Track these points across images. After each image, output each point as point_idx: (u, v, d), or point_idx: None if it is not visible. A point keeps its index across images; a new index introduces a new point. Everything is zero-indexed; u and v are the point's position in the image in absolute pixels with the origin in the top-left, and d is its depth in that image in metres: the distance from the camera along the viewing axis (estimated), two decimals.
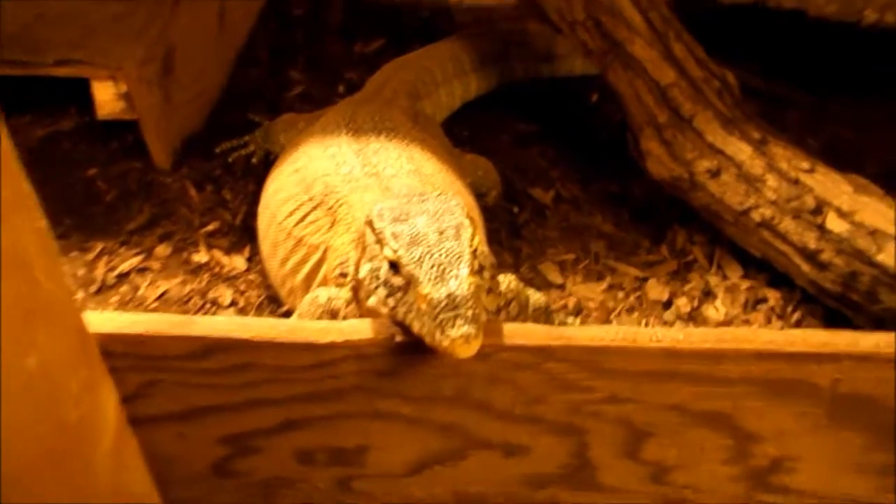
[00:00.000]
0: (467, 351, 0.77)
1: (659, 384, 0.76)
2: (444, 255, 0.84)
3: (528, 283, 1.42)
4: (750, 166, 1.39)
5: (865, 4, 2.63)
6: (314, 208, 1.33)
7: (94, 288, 1.47)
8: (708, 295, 1.46)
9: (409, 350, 0.77)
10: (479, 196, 1.61)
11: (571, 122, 2.00)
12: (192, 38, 1.81)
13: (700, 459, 0.81)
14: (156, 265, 1.53)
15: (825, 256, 1.32)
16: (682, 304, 1.45)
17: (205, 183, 1.71)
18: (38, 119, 1.87)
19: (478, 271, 0.86)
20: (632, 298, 1.49)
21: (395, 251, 0.87)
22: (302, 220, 1.34)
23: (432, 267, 0.82)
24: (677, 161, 1.46)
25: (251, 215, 1.63)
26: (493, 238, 1.62)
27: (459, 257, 0.84)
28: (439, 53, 1.95)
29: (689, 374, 0.75)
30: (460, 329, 0.77)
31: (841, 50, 2.31)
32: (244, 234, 1.60)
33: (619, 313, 1.47)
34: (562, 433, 0.81)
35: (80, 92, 1.66)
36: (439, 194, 0.97)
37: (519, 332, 0.77)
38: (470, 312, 0.78)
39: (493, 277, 0.99)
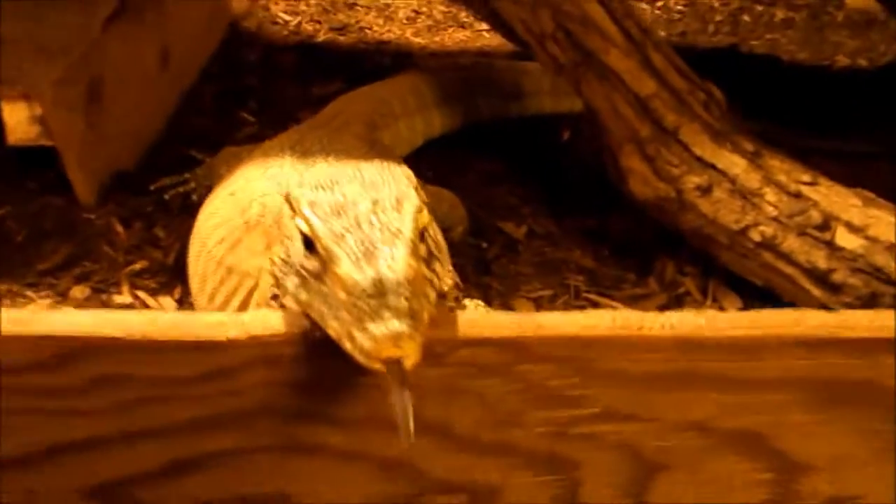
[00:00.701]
0: (398, 354, 0.57)
1: (672, 391, 0.56)
2: (376, 231, 0.64)
3: None
4: (745, 180, 1.23)
5: (836, 50, 2.57)
6: (248, 231, 1.14)
7: None
8: None
9: (335, 351, 0.57)
10: (444, 231, 1.43)
11: (542, 161, 1.86)
12: (126, 70, 1.65)
13: (728, 499, 0.60)
14: (70, 308, 1.32)
15: (838, 277, 1.15)
16: None
17: (133, 220, 1.52)
18: None
19: (424, 258, 0.67)
20: None
21: (309, 222, 0.67)
22: (234, 245, 1.15)
23: (358, 243, 0.63)
24: (663, 178, 1.30)
25: (185, 254, 1.44)
26: (459, 274, 1.43)
27: (397, 234, 0.64)
28: (399, 86, 1.82)
29: (714, 377, 0.56)
30: (388, 324, 0.57)
31: (816, 91, 2.23)
32: (176, 275, 1.40)
33: None
34: (543, 467, 0.60)
35: None
36: (381, 162, 0.78)
37: (481, 323, 0.57)
38: (404, 303, 0.59)
39: (452, 288, 0.80)
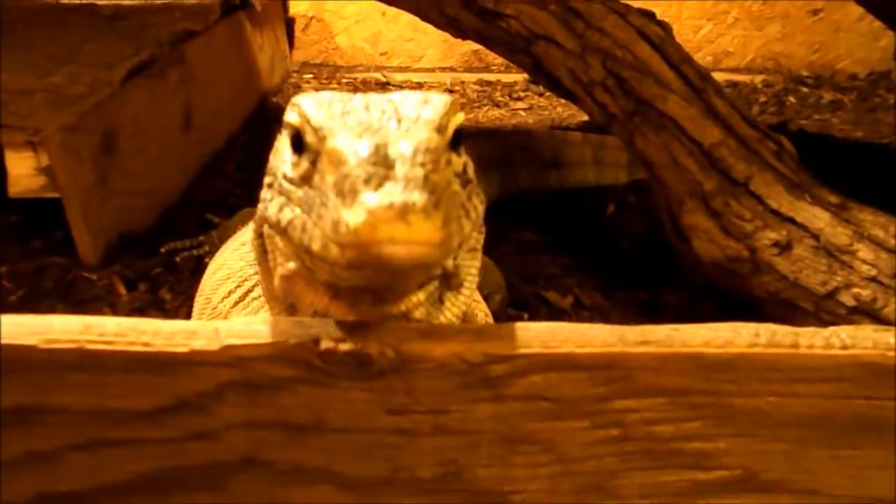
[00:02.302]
0: (403, 235, 0.40)
1: (843, 446, 0.38)
2: (389, 118, 0.47)
3: None
4: (831, 235, 1.07)
5: (894, 131, 2.45)
6: (257, 285, 0.99)
7: None
8: None
9: (349, 367, 0.40)
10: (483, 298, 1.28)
11: (585, 232, 1.71)
12: (145, 126, 1.56)
13: None
14: None
15: None
16: None
17: (138, 281, 1.38)
18: None
19: (458, 174, 0.51)
20: None
21: (301, 114, 0.51)
22: (242, 299, 1.01)
23: (361, 124, 0.46)
24: (733, 235, 1.14)
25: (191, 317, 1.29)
26: None
27: (418, 120, 0.47)
28: None
29: None
30: (391, 193, 0.41)
31: (877, 169, 2.09)
32: None
33: None
34: None
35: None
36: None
37: (560, 335, 0.40)
38: (419, 172, 0.42)
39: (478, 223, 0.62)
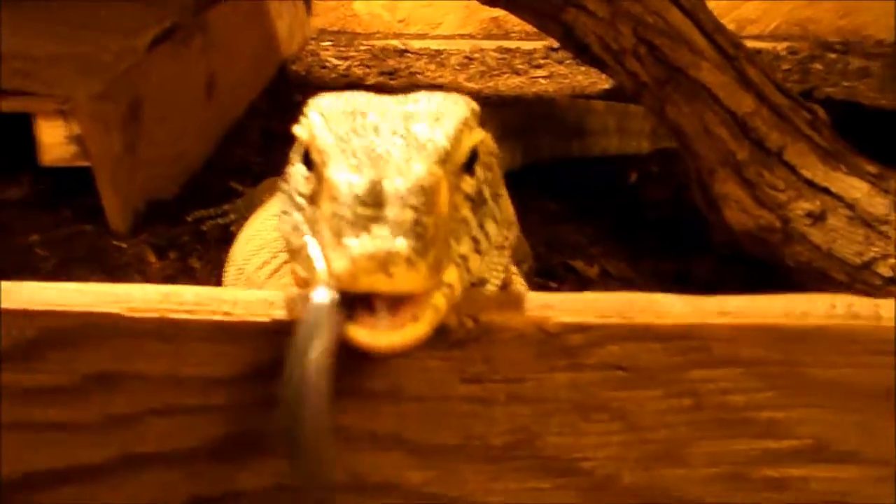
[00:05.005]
0: (384, 286, 0.40)
1: None
2: (397, 140, 0.47)
3: None
4: (868, 205, 1.06)
5: None
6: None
7: None
8: None
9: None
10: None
11: (610, 202, 1.71)
12: (170, 93, 1.56)
13: None
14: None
15: None
16: None
17: (168, 249, 1.39)
18: None
19: (469, 196, 0.49)
20: None
21: (310, 130, 0.51)
22: (278, 269, 1.01)
23: (366, 148, 0.46)
24: (765, 206, 1.14)
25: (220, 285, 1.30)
26: None
27: (423, 146, 0.47)
28: None
29: None
30: (375, 237, 0.40)
31: None
32: None
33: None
34: None
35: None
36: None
37: (638, 304, 0.40)
38: (409, 215, 0.41)
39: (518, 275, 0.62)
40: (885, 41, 2.74)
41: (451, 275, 0.44)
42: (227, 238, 1.43)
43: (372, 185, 0.43)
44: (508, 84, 2.48)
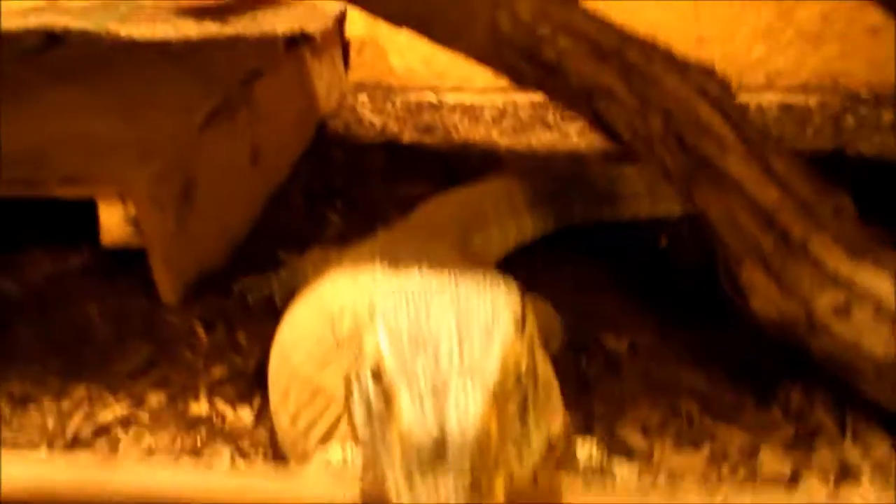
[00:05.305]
0: None
1: None
2: (454, 368, 0.56)
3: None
4: (894, 300, 1.09)
5: None
6: (339, 349, 1.05)
7: (62, 442, 1.19)
8: (847, 473, 1.11)
9: None
10: None
11: (640, 269, 1.75)
12: (219, 168, 1.65)
13: None
14: (144, 416, 1.26)
15: None
16: (814, 482, 1.10)
17: (216, 323, 1.46)
18: (48, 254, 1.70)
19: (503, 398, 0.58)
20: (741, 471, 1.15)
21: (379, 350, 0.60)
22: (323, 364, 1.07)
23: (427, 381, 0.55)
24: (790, 297, 1.17)
25: (267, 361, 1.37)
26: None
27: (475, 374, 0.56)
28: (491, 190, 1.76)
29: None
30: (440, 490, 0.50)
31: None
32: (256, 384, 1.33)
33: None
34: None
35: (93, 225, 1.48)
36: (483, 275, 0.69)
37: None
38: (466, 466, 0.51)
39: (562, 432, 0.69)
40: None
41: (499, 492, 0.52)
42: (271, 311, 1.51)
43: (434, 440, 0.52)
44: (541, 140, 2.54)
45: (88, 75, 1.76)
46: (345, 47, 2.82)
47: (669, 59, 1.36)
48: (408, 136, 2.53)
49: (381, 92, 2.88)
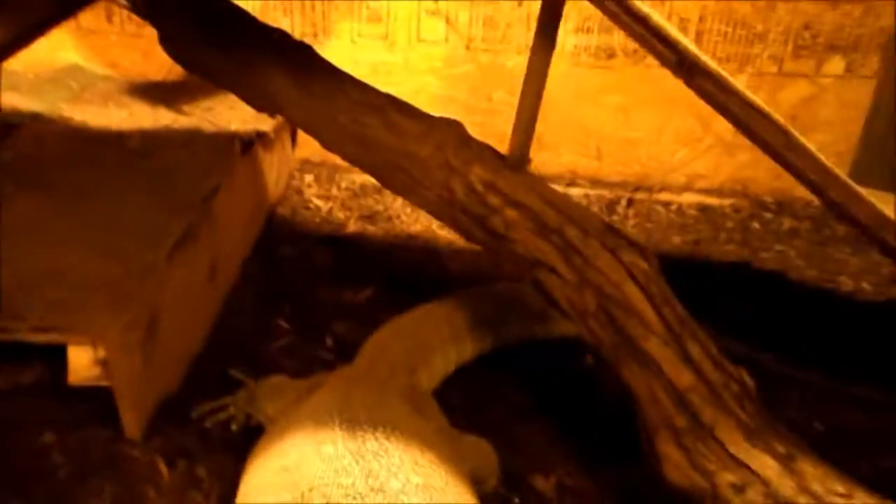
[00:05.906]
0: None
1: None
2: None
3: None
4: (778, 485, 1.29)
5: (840, 269, 2.70)
6: None
7: None
8: None
9: None
10: (475, 484, 1.48)
11: (569, 391, 1.92)
12: (180, 295, 1.72)
13: None
14: None
15: None
16: None
17: (177, 458, 1.55)
18: None
19: None
20: None
21: None
22: None
23: None
24: (698, 470, 1.36)
25: (225, 498, 1.47)
26: None
27: None
28: (433, 318, 1.90)
29: None
30: None
31: (825, 317, 2.34)
32: None
33: None
34: None
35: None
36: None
37: None
38: None
39: None
40: (812, 203, 3.03)
41: None
42: (228, 440, 1.60)
43: None
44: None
45: (53, 184, 1.80)
46: (293, 129, 2.91)
47: (604, 235, 1.53)
48: (353, 226, 2.65)
49: (327, 171, 2.97)
